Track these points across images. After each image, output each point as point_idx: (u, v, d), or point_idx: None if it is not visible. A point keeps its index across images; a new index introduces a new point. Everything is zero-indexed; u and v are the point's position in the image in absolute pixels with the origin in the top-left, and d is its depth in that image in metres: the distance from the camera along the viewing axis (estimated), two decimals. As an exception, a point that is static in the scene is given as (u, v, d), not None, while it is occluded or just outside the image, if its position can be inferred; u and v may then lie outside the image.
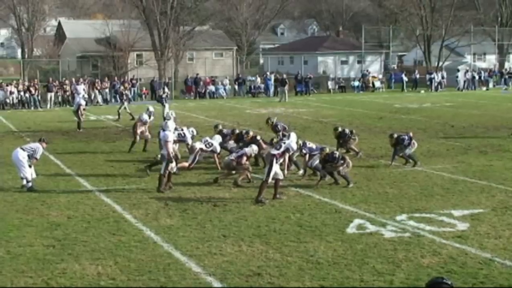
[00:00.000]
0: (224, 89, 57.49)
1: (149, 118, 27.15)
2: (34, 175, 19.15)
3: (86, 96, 45.54)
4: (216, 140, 22.23)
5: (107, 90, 52.80)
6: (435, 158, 23.89)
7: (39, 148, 19.22)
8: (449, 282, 7.23)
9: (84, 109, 34.28)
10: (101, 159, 24.38)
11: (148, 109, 27.80)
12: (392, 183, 19.55)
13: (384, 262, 12.29)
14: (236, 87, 58.99)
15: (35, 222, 15.43)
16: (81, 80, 51.49)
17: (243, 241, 13.63)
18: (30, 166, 18.96)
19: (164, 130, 19.48)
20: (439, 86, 61.58)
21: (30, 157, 18.97)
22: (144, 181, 20.14)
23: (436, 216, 15.62)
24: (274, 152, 17.60)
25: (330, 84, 62.03)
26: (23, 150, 19.08)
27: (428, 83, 61.84)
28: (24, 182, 18.91)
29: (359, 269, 11.93)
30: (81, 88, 47.23)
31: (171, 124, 19.95)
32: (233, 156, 19.89)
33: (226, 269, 11.98)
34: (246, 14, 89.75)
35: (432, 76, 62.02)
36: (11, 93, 47.85)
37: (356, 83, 62.38)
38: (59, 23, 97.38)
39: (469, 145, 26.58)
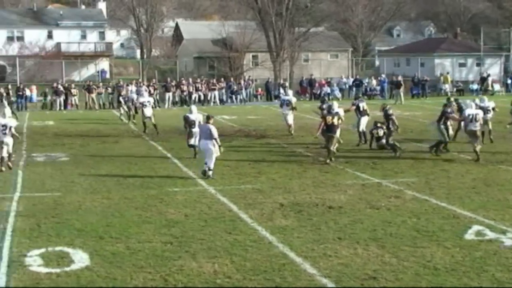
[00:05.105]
0: (340, 90, 57.24)
1: None
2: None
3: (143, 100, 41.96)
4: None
5: (223, 91, 53.55)
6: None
7: (210, 127, 20.70)
8: None
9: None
10: (217, 158, 24.61)
11: None
12: (512, 189, 19.02)
13: (504, 270, 11.94)
14: (354, 88, 58.61)
15: (153, 219, 15.77)
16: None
17: (358, 244, 13.54)
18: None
19: None
20: None
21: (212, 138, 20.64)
22: (260, 181, 20.27)
23: (559, 224, 15.09)
24: None
25: (448, 87, 61.04)
26: (209, 139, 20.53)
27: None
28: (210, 173, 20.52)
29: (477, 276, 11.64)
30: (140, 90, 46.56)
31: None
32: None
33: (341, 271, 11.91)
34: (362, 16, 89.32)
35: None
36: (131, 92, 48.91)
37: (475, 86, 61.07)
38: (177, 24, 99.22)
39: None
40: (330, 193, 18.55)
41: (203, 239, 13.96)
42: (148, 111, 32.38)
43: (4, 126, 22.35)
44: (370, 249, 13.23)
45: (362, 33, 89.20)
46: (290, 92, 34.56)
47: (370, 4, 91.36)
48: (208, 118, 21.28)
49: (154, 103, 48.42)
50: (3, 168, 22.20)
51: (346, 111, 27.37)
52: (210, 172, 20.61)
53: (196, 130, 23.69)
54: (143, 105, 32.78)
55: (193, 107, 25.58)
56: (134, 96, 34.97)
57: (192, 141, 24.06)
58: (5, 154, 22.43)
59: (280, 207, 16.90)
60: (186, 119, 24.68)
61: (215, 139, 20.63)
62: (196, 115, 24.43)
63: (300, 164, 23.27)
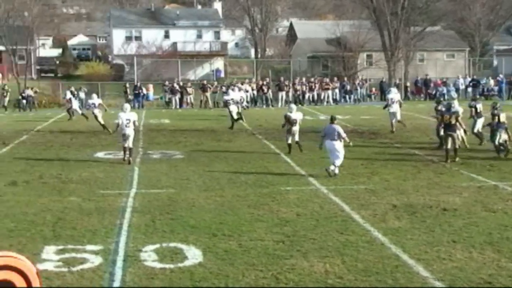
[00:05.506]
0: (456, 91, 56.06)
1: None
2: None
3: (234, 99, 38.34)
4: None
5: (337, 90, 53.44)
6: None
7: (336, 127, 21.09)
8: None
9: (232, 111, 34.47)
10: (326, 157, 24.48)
11: None
12: None
13: None
14: (470, 89, 57.25)
15: (265, 217, 15.84)
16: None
17: (473, 248, 13.23)
18: None
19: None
20: None
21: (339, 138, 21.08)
22: (373, 181, 20.10)
23: None
24: None
25: None
26: (335, 140, 20.88)
27: None
28: (332, 168, 20.77)
29: None
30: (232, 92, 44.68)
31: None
32: None
33: (455, 275, 11.67)
34: (480, 14, 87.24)
35: None
36: (246, 91, 49.24)
37: None
38: (291, 24, 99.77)
39: None
40: (445, 195, 18.20)
41: (314, 239, 13.94)
42: (232, 108, 33.97)
43: (128, 120, 23.88)
44: (486, 253, 12.91)
45: (480, 32, 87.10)
46: (393, 89, 35.60)
47: (488, 3, 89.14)
48: (332, 119, 21.59)
49: (268, 102, 49.30)
50: (126, 158, 23.74)
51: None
52: (332, 168, 20.82)
53: (296, 128, 25.44)
54: (227, 102, 34.44)
55: (293, 106, 27.04)
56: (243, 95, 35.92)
57: (290, 139, 25.53)
58: (127, 145, 23.84)
59: (393, 208, 16.70)
60: (287, 118, 25.55)
61: (344, 138, 21.03)
62: (296, 114, 25.65)
63: (414, 165, 22.95)
